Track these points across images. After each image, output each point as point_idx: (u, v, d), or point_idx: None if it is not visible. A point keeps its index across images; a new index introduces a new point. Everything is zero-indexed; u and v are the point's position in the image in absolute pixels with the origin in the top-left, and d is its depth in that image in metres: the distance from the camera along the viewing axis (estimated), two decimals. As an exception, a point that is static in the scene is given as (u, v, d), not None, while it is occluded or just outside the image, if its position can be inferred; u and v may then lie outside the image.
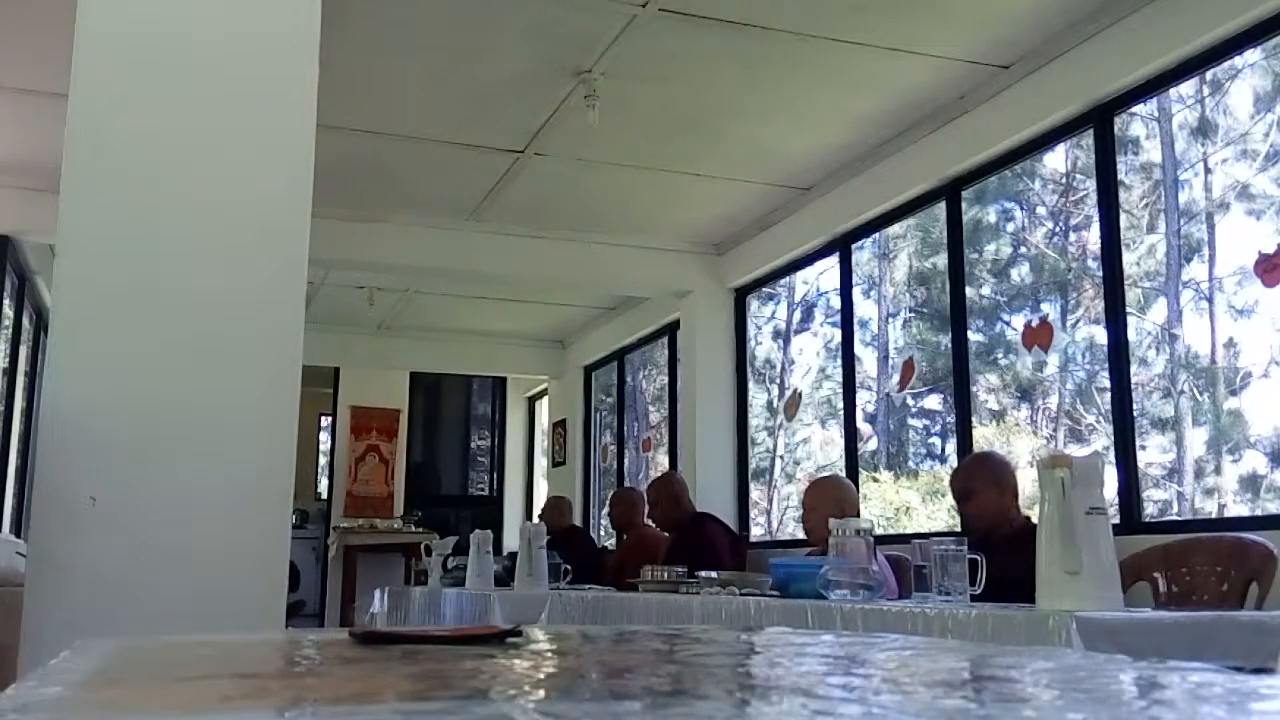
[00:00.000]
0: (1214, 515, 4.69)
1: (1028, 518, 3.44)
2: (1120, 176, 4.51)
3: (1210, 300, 4.68)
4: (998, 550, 2.61)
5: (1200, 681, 0.78)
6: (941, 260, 5.50)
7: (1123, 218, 4.44)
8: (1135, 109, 4.61)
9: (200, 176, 2.49)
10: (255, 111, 2.56)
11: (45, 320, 6.96)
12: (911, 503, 6.43)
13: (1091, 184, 4.62)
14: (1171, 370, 4.83)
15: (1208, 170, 4.70)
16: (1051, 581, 2.11)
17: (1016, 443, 5.77)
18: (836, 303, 6.40)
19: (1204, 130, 4.70)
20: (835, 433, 6.59)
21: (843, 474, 5.68)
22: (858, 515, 4.13)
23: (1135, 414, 4.35)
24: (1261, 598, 2.88)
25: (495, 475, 10.95)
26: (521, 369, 10.20)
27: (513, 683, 0.82)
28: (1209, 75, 4.42)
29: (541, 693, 0.78)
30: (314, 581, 9.75)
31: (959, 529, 4.12)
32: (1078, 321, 5.34)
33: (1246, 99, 4.54)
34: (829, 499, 4.09)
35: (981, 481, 3.53)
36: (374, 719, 0.63)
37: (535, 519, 7.45)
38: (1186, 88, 4.54)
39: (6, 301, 6.55)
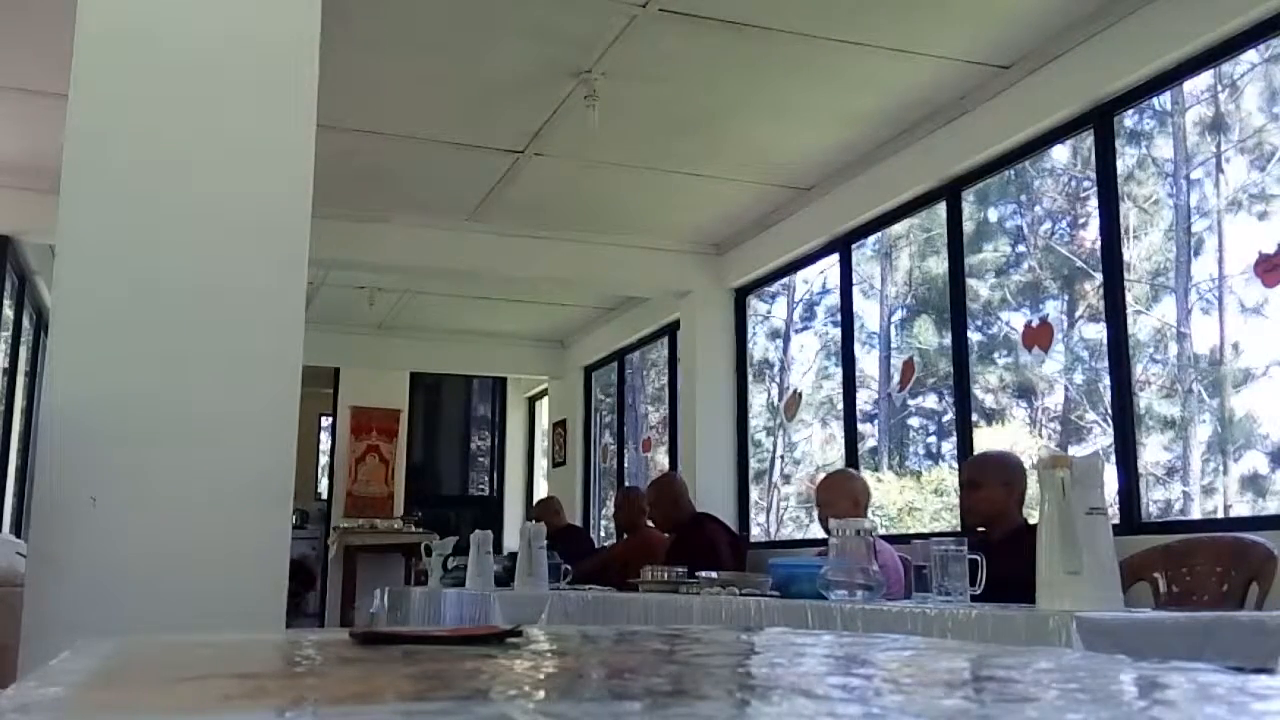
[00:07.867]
0: (1216, 515, 4.68)
1: (1026, 519, 3.44)
2: (1130, 171, 4.48)
3: (1219, 299, 4.66)
4: (995, 550, 2.61)
5: (1201, 682, 0.78)
6: (943, 260, 5.48)
7: (1132, 214, 4.42)
8: (1147, 103, 4.60)
9: (200, 177, 2.49)
10: (255, 111, 2.56)
11: (45, 320, 6.95)
12: (914, 503, 6.42)
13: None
14: (1178, 368, 4.81)
15: (1219, 168, 4.67)
16: (1051, 581, 2.11)
17: (1019, 443, 5.76)
18: (837, 301, 6.40)
19: (1216, 127, 4.68)
20: (836, 432, 6.59)
21: (844, 473, 5.67)
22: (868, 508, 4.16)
23: (1141, 412, 4.33)
24: (1261, 598, 2.88)
25: (495, 475, 10.94)
26: (521, 369, 10.20)
27: (513, 683, 0.82)
28: (1223, 71, 4.39)
29: (541, 693, 0.78)
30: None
31: (959, 528, 4.12)
32: (1082, 320, 5.33)
33: (1260, 97, 4.52)
34: (845, 493, 4.10)
35: (992, 476, 3.55)
36: (374, 719, 0.63)
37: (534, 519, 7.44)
38: (1199, 83, 4.52)
39: (6, 301, 6.55)
